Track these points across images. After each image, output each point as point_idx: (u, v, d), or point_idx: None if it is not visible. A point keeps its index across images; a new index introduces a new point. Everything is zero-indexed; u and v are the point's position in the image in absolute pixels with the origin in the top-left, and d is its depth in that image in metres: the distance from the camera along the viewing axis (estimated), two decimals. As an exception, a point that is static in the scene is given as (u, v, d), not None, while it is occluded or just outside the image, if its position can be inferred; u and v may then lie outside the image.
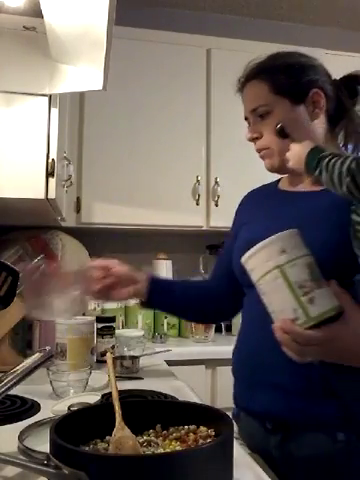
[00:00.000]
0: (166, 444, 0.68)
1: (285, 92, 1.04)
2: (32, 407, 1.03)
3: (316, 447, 0.90)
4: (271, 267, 0.79)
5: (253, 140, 1.09)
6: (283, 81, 1.04)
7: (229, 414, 0.69)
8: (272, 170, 1.09)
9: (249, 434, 1.02)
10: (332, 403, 0.88)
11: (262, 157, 1.09)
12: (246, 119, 1.11)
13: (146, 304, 1.25)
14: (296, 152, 0.92)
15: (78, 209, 2.18)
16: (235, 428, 0.99)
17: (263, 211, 1.11)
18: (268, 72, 1.06)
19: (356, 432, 0.87)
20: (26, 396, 1.07)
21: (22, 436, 0.72)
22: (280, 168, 1.06)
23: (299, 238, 0.82)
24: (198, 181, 2.27)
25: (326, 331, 0.77)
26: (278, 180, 1.18)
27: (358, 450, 0.87)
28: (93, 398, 1.03)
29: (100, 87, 1.33)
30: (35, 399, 1.07)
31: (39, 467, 0.59)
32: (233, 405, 1.09)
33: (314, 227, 0.93)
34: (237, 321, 2.23)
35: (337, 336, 0.78)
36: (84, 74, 1.35)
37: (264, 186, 1.22)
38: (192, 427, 0.71)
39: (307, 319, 0.77)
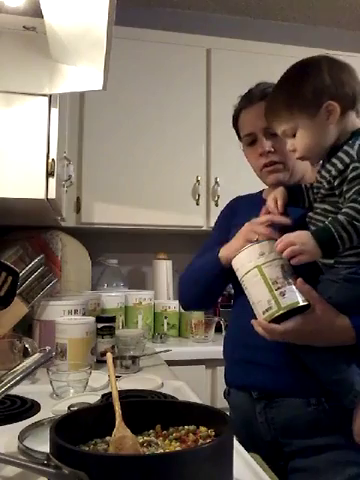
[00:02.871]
0: (166, 444, 0.68)
1: None
2: (32, 407, 1.03)
3: (293, 410, 1.08)
4: (252, 267, 0.99)
5: (264, 154, 1.17)
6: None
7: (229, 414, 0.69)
8: (276, 184, 1.15)
9: (238, 405, 1.19)
10: (305, 373, 1.05)
11: (270, 171, 1.18)
12: (249, 135, 1.20)
13: None
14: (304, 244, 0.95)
15: (78, 209, 2.19)
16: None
17: (253, 217, 1.16)
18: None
19: (325, 395, 1.05)
20: (26, 396, 1.07)
21: (22, 436, 0.72)
22: (287, 183, 1.16)
23: (271, 245, 0.99)
24: (198, 181, 2.28)
25: (287, 323, 0.96)
26: (261, 192, 1.32)
27: (326, 409, 1.05)
28: (93, 398, 1.03)
29: (100, 87, 1.33)
30: (35, 399, 1.07)
31: (39, 467, 0.59)
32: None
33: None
34: (237, 321, 2.24)
35: (305, 323, 0.96)
36: (84, 74, 1.35)
37: (249, 196, 1.36)
38: (192, 427, 0.71)
39: (277, 308, 0.95)
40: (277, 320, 0.96)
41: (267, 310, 0.96)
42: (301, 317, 0.97)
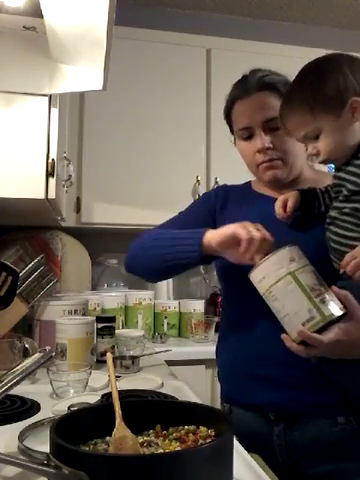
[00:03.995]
0: (166, 444, 0.68)
1: None
2: (32, 407, 1.03)
3: (318, 431, 0.99)
4: (284, 274, 0.89)
5: (263, 151, 1.09)
6: None
7: (229, 414, 0.69)
8: (273, 181, 1.12)
9: (246, 427, 1.05)
10: (331, 391, 0.98)
11: (268, 167, 1.10)
12: (245, 129, 1.11)
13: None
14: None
15: (78, 209, 2.18)
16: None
17: (250, 212, 1.12)
18: (277, 86, 1.09)
19: (354, 413, 0.98)
20: (26, 396, 1.07)
21: (22, 436, 0.72)
22: (284, 180, 1.12)
23: (301, 250, 0.92)
24: (198, 181, 2.28)
25: (328, 334, 0.85)
26: (248, 183, 1.25)
27: (356, 430, 0.98)
28: (93, 398, 1.03)
29: (100, 87, 1.33)
30: (35, 399, 1.07)
31: (39, 467, 0.59)
32: (221, 403, 1.17)
33: (307, 237, 1.03)
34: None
35: (347, 333, 0.86)
36: (84, 74, 1.35)
37: (236, 187, 1.27)
38: (192, 427, 0.71)
39: (321, 317, 0.86)
40: (319, 332, 0.87)
41: (308, 321, 0.86)
42: (341, 327, 0.86)
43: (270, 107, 1.07)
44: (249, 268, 0.94)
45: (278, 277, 0.89)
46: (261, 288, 0.92)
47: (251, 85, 1.10)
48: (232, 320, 1.16)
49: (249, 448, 0.90)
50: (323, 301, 0.87)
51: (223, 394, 1.18)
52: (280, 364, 1.00)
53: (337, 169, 0.98)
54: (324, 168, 1.25)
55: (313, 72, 0.96)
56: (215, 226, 1.12)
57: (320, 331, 0.86)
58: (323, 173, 1.21)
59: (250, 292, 0.94)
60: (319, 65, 0.97)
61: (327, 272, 0.92)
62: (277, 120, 1.02)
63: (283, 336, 0.90)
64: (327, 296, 0.87)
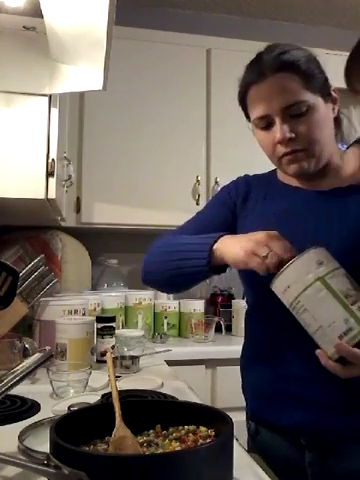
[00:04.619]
0: (166, 444, 0.68)
1: (318, 88, 0.95)
2: (32, 407, 1.03)
3: (357, 461, 0.89)
4: (312, 280, 0.77)
5: (284, 142, 0.95)
6: (316, 76, 0.95)
7: (229, 414, 0.68)
8: (298, 175, 1.00)
9: (274, 449, 0.96)
10: None
11: (291, 160, 0.97)
12: (262, 118, 0.97)
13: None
14: None
15: (78, 209, 2.18)
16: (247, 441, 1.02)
17: (277, 206, 1.02)
18: (298, 64, 0.94)
19: None
20: (26, 396, 1.07)
21: (22, 436, 0.72)
22: (311, 172, 0.98)
23: (328, 252, 0.81)
24: (198, 181, 2.28)
25: None
26: (274, 171, 1.12)
27: None
28: (93, 398, 1.03)
29: (100, 87, 1.33)
30: (35, 399, 1.07)
31: (39, 467, 0.59)
32: (247, 419, 1.06)
33: (343, 231, 0.92)
34: (237, 321, 2.24)
35: None
36: (84, 74, 1.35)
37: (260, 176, 1.14)
38: (192, 427, 0.71)
39: None
40: (359, 345, 0.76)
41: (346, 333, 0.75)
42: None
43: (290, 91, 0.93)
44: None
45: (306, 284, 0.77)
46: (287, 299, 0.80)
47: (266, 66, 0.94)
48: (259, 331, 1.04)
49: (278, 474, 0.83)
50: None
51: (249, 411, 1.06)
52: (314, 383, 0.90)
53: None
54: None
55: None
56: (236, 222, 1.07)
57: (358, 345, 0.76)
58: (356, 158, 1.05)
59: (278, 300, 0.83)
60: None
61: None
62: (299, 105, 0.93)
63: (318, 352, 0.78)
64: None
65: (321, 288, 0.77)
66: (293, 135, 0.94)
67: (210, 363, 1.95)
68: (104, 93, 1.39)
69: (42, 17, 1.19)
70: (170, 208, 2.25)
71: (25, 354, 1.29)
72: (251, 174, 1.16)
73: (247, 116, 1.04)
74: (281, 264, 0.80)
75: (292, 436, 0.94)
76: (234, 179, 1.17)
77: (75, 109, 2.16)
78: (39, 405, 1.04)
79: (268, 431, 0.98)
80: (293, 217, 0.98)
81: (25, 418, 0.95)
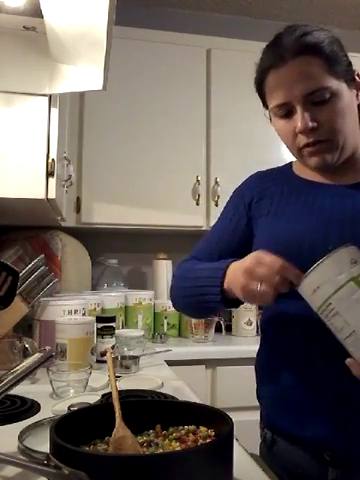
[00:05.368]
0: (166, 444, 0.68)
1: (342, 72, 0.88)
2: (32, 407, 1.03)
3: None
4: (344, 280, 0.71)
5: (306, 132, 0.88)
6: (339, 60, 0.89)
7: (229, 414, 0.68)
8: (320, 167, 0.93)
9: (292, 464, 0.90)
10: None
11: (313, 152, 0.90)
12: (282, 106, 0.89)
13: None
14: None
15: (78, 209, 2.18)
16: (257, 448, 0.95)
17: (296, 205, 0.96)
18: (321, 47, 0.87)
19: None
20: (26, 396, 1.07)
21: (22, 436, 0.72)
22: (334, 164, 0.91)
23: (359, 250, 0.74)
24: (198, 181, 2.27)
25: None
26: (289, 165, 1.05)
27: None
28: (93, 398, 1.03)
29: (100, 87, 1.33)
30: (35, 399, 1.07)
31: (39, 467, 0.59)
32: (262, 426, 1.00)
33: None
34: (237, 321, 2.24)
35: None
36: (84, 74, 1.35)
37: (274, 171, 1.07)
38: (192, 427, 0.71)
39: None
40: None
41: None
42: None
43: (313, 76, 0.86)
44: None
45: (338, 285, 0.71)
46: (315, 302, 0.74)
47: (287, 49, 0.86)
48: (278, 338, 0.95)
49: None
50: None
51: (264, 419, 0.99)
52: (343, 395, 0.83)
53: None
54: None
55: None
56: (252, 225, 1.02)
57: None
58: None
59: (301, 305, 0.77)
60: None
61: None
62: (323, 92, 0.86)
63: (349, 362, 0.72)
64: None
65: (355, 289, 0.70)
66: (315, 124, 0.87)
67: (210, 363, 1.95)
68: (104, 93, 1.39)
69: (42, 17, 1.18)
70: (170, 208, 2.25)
71: (25, 354, 1.29)
72: (264, 169, 1.10)
73: (264, 104, 0.96)
74: (282, 285, 0.76)
75: (314, 450, 0.87)
76: (246, 179, 1.11)
77: (75, 109, 2.16)
78: (39, 405, 1.05)
79: (287, 442, 0.91)
80: (315, 215, 0.91)
81: (25, 418, 0.95)
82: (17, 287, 1.34)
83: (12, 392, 0.86)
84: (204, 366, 1.96)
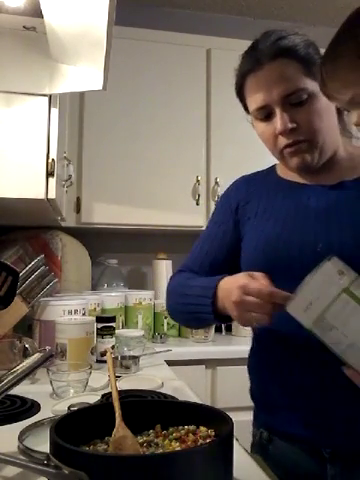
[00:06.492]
0: (166, 444, 0.68)
1: (317, 74, 0.85)
2: (32, 407, 1.03)
3: None
4: (337, 293, 0.71)
5: (285, 133, 0.90)
6: (315, 62, 0.90)
7: (229, 414, 0.68)
8: (301, 168, 0.94)
9: (290, 462, 0.90)
10: None
11: (294, 152, 0.91)
12: (262, 108, 0.92)
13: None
14: None
15: (78, 209, 2.18)
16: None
17: (281, 206, 0.97)
18: (297, 50, 0.90)
19: None
20: (26, 396, 1.07)
21: (22, 436, 0.72)
22: (315, 165, 0.93)
23: (341, 260, 0.75)
24: (198, 181, 2.28)
25: None
26: (272, 168, 1.07)
27: None
28: (93, 398, 1.03)
29: (100, 87, 1.33)
30: (35, 399, 1.07)
31: (39, 467, 0.59)
32: (255, 425, 1.01)
33: (357, 228, 0.87)
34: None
35: None
36: (84, 74, 1.35)
37: (259, 174, 1.09)
38: (192, 427, 0.71)
39: None
40: None
41: None
42: None
43: (289, 78, 0.88)
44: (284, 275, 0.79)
45: (330, 298, 0.70)
46: (308, 319, 0.72)
47: (264, 53, 0.89)
48: (267, 338, 0.96)
49: None
50: None
51: (260, 418, 1.00)
52: (336, 395, 0.84)
53: None
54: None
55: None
56: (240, 229, 1.03)
57: None
58: None
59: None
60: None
61: None
62: (300, 93, 0.88)
63: (349, 373, 0.72)
64: None
65: (348, 300, 0.70)
66: (294, 125, 0.89)
67: (210, 363, 1.95)
68: (104, 93, 1.39)
69: (42, 17, 1.18)
70: (170, 208, 2.25)
71: (25, 354, 1.29)
72: (248, 173, 1.13)
73: (246, 108, 0.99)
74: (273, 309, 0.76)
75: (312, 447, 0.87)
76: (232, 183, 1.14)
77: (75, 109, 2.16)
78: (39, 405, 1.05)
79: (284, 441, 0.91)
80: (301, 217, 0.92)
81: (25, 418, 0.95)
82: (17, 287, 1.34)
83: (12, 392, 0.86)
84: (204, 366, 1.96)
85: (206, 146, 2.33)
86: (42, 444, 0.67)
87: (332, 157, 0.95)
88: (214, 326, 2.13)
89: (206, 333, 2.11)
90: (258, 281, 0.79)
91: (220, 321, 0.93)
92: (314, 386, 0.86)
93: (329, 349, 0.73)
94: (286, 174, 1.02)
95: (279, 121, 0.89)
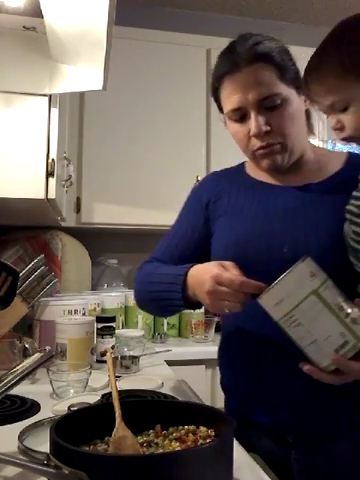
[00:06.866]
0: (166, 444, 0.68)
1: (291, 80, 0.95)
2: (32, 407, 1.03)
3: (342, 455, 0.90)
4: (307, 293, 0.76)
5: (259, 135, 0.93)
6: (289, 68, 0.95)
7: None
8: (272, 169, 0.99)
9: (257, 447, 0.93)
10: (357, 413, 0.90)
11: (266, 154, 0.95)
12: (237, 110, 0.95)
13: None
14: None
15: (78, 209, 2.18)
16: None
17: (250, 205, 1.01)
18: (273, 56, 0.93)
19: None
20: (26, 396, 1.07)
21: (22, 436, 0.72)
22: (284, 167, 0.98)
23: (314, 262, 0.79)
24: (198, 181, 2.27)
25: None
26: (242, 166, 1.11)
27: None
28: (93, 398, 1.03)
29: (100, 87, 1.33)
30: (35, 399, 1.07)
31: (39, 467, 0.59)
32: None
33: (321, 229, 0.91)
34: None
35: None
36: (84, 74, 1.35)
37: (229, 171, 1.13)
38: (192, 427, 0.71)
39: (356, 341, 0.76)
40: (353, 356, 0.77)
41: (342, 346, 0.76)
42: None
43: (265, 83, 0.92)
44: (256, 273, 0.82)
45: (300, 298, 0.75)
46: (277, 313, 0.78)
47: (241, 57, 0.92)
48: (235, 330, 1.02)
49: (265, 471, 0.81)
50: (354, 321, 0.76)
51: (229, 408, 1.05)
52: (299, 384, 0.90)
53: None
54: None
55: (355, 29, 0.81)
56: (210, 225, 1.06)
57: (354, 355, 0.77)
58: (327, 152, 1.07)
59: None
60: (355, 24, 0.82)
61: (341, 278, 0.80)
62: (275, 97, 0.92)
63: (308, 369, 0.79)
64: (355, 314, 0.76)
65: (316, 302, 0.76)
66: (268, 128, 0.93)
67: (210, 363, 1.95)
68: (104, 93, 1.39)
69: (42, 17, 1.18)
70: (170, 208, 2.23)
71: (25, 354, 1.29)
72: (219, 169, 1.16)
73: (220, 108, 1.03)
74: (245, 298, 0.81)
75: (278, 434, 0.94)
76: (202, 179, 1.18)
77: (75, 109, 2.16)
78: (39, 405, 1.05)
79: (253, 429, 0.97)
80: (268, 217, 0.97)
81: (25, 418, 0.95)
82: (17, 287, 1.34)
83: (12, 392, 0.86)
84: (204, 366, 1.96)
85: (206, 146, 2.33)
86: (42, 444, 0.67)
87: (299, 159, 1.00)
88: (214, 326, 2.13)
89: (206, 333, 2.11)
90: (229, 271, 0.83)
91: (189, 308, 0.97)
92: (279, 377, 0.92)
93: (293, 342, 0.79)
94: (255, 173, 1.06)
95: (254, 123, 0.93)
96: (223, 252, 0.99)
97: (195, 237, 1.08)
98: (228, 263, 0.85)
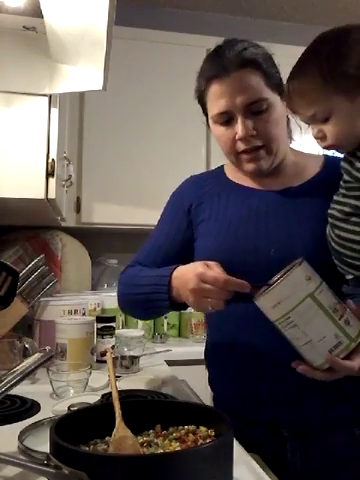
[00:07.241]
0: (166, 444, 0.68)
1: (275, 85, 0.97)
2: (32, 407, 1.03)
3: (334, 445, 0.94)
4: (303, 296, 0.78)
5: (245, 139, 0.95)
6: (273, 74, 0.97)
7: (229, 414, 0.69)
8: (256, 173, 1.00)
9: (252, 442, 0.93)
10: (347, 405, 0.94)
11: (251, 159, 0.97)
12: (223, 114, 0.96)
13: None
14: None
15: (78, 209, 2.18)
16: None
17: (232, 208, 1.02)
18: (259, 62, 0.95)
19: None
20: (26, 396, 1.07)
21: (22, 436, 0.72)
22: (268, 171, 1.00)
23: (309, 264, 0.82)
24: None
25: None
26: (221, 169, 1.13)
27: None
28: (93, 398, 1.03)
29: (100, 87, 1.33)
30: (35, 399, 1.07)
31: (39, 467, 0.59)
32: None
33: (305, 231, 0.94)
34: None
35: None
36: (84, 74, 1.35)
37: (209, 174, 1.17)
38: (192, 427, 0.71)
39: (349, 341, 0.80)
40: (346, 356, 0.81)
41: (336, 346, 0.79)
42: None
43: (253, 88, 0.94)
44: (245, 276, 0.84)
45: (297, 301, 0.78)
46: (274, 314, 0.81)
47: (230, 62, 0.94)
48: (221, 325, 1.03)
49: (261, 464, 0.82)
50: (347, 322, 0.80)
51: (220, 405, 1.06)
52: (293, 381, 0.91)
53: (343, 158, 0.87)
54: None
55: (333, 42, 0.81)
56: (193, 230, 1.08)
57: (348, 355, 0.80)
58: (305, 155, 1.09)
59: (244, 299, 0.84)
60: (341, 35, 0.82)
61: (326, 278, 0.82)
62: (261, 102, 0.94)
63: (302, 368, 0.82)
64: (347, 315, 0.80)
65: (312, 304, 0.79)
66: (254, 132, 0.95)
67: (210, 363, 1.94)
68: (104, 93, 1.39)
69: (42, 17, 1.19)
70: (170, 208, 2.25)
71: (25, 354, 1.29)
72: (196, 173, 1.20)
73: (204, 111, 1.05)
74: (228, 296, 0.83)
75: (273, 429, 0.95)
76: (182, 183, 1.21)
77: (75, 109, 2.16)
78: (39, 405, 1.05)
79: (246, 425, 0.96)
80: (252, 222, 0.99)
81: (25, 418, 0.95)
82: (17, 287, 1.34)
83: (12, 392, 0.86)
84: (204, 366, 1.95)
85: (206, 146, 2.32)
86: (42, 444, 0.67)
87: (280, 163, 1.02)
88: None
89: (206, 333, 2.11)
90: (213, 269, 0.85)
91: (175, 309, 1.00)
92: (272, 374, 0.94)
93: (288, 342, 0.82)
94: (235, 177, 1.08)
95: (241, 127, 0.94)
96: (208, 257, 0.97)
97: (178, 241, 1.09)
98: (212, 263, 0.87)
